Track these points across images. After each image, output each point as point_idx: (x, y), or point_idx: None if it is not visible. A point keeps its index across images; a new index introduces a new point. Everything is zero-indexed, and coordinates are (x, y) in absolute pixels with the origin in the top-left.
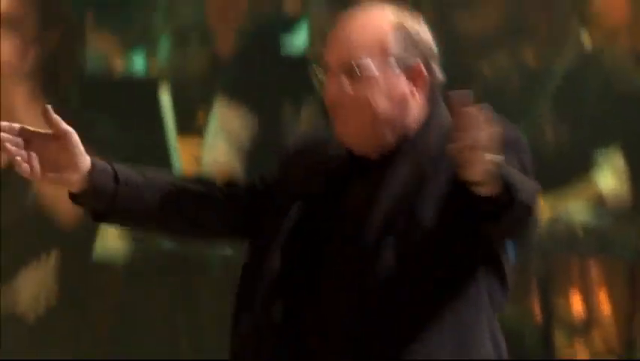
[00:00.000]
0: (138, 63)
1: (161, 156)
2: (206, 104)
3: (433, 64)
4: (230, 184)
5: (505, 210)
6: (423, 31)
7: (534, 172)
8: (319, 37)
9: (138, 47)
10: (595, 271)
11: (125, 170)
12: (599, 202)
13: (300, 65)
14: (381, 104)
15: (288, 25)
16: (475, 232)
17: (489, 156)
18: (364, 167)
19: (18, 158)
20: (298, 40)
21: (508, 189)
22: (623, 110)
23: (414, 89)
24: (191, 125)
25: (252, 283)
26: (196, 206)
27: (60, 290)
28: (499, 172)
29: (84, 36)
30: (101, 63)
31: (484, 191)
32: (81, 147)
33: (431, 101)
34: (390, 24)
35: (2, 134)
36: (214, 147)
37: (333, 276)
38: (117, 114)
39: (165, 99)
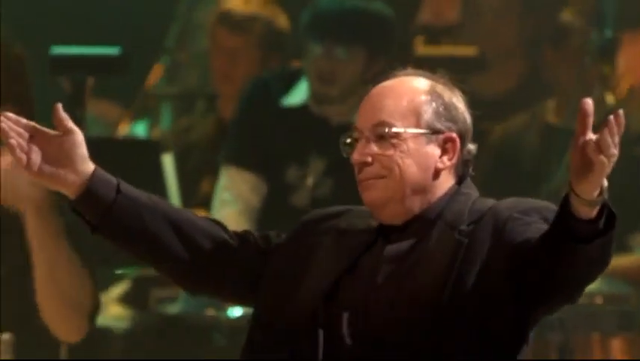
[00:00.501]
0: (140, 130)
1: None
2: (212, 170)
3: (465, 135)
4: (239, 234)
5: (599, 237)
6: (458, 102)
7: None
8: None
9: (141, 116)
10: (617, 350)
11: (131, 187)
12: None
13: (303, 115)
14: (409, 169)
15: (287, 79)
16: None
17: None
18: (389, 233)
19: (16, 146)
20: (299, 91)
21: (608, 216)
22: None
23: (444, 157)
24: (195, 194)
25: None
26: (196, 240)
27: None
28: (604, 195)
29: (84, 101)
30: (101, 129)
31: (585, 211)
32: (84, 150)
33: (460, 171)
34: (424, 91)
35: (6, 121)
36: (222, 214)
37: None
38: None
39: (168, 163)
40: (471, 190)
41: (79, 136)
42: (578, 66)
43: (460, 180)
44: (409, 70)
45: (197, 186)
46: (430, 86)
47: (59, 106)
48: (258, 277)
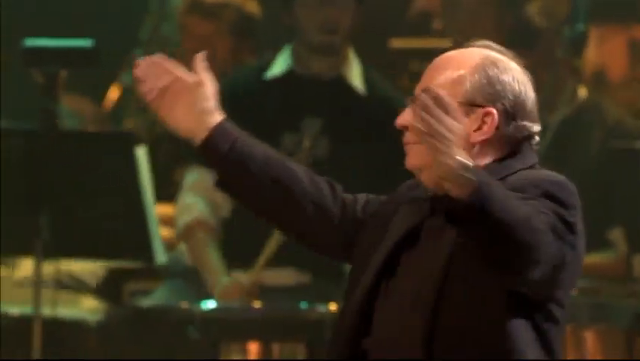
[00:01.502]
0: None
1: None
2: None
3: (513, 111)
4: (345, 200)
5: (479, 222)
6: (508, 77)
7: (576, 232)
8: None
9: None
10: (590, 341)
11: (248, 143)
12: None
13: (288, 81)
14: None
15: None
16: None
17: (450, 151)
18: (437, 203)
19: (148, 89)
20: (279, 64)
21: (481, 198)
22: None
23: (478, 131)
24: (168, 186)
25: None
26: (300, 205)
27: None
28: (466, 175)
29: (56, 93)
30: (75, 122)
31: (452, 190)
32: (210, 103)
33: (509, 148)
34: (470, 64)
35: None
36: (182, 222)
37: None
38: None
39: (142, 155)
40: (512, 166)
41: (208, 89)
42: (549, 61)
43: (508, 156)
44: (479, 41)
45: (170, 178)
46: (480, 59)
47: (200, 56)
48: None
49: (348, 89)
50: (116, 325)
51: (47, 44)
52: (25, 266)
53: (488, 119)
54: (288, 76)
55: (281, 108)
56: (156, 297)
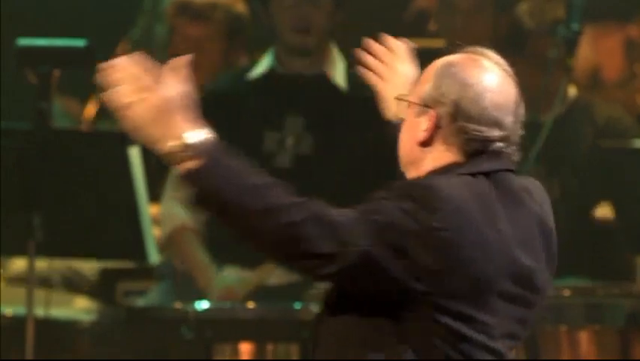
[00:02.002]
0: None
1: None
2: None
3: (457, 116)
4: None
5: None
6: (458, 83)
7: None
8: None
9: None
10: (585, 341)
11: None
12: None
13: (270, 80)
14: (402, 137)
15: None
16: None
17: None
18: None
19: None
20: (261, 65)
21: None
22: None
23: (426, 133)
24: (160, 187)
25: None
26: None
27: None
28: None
29: (50, 93)
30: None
31: (172, 162)
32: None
33: (467, 152)
34: (435, 67)
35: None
36: (170, 215)
37: None
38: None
39: (135, 156)
40: (452, 171)
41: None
42: (542, 61)
43: (463, 161)
44: (474, 48)
45: (163, 178)
46: (441, 63)
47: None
48: None
49: (331, 86)
50: (109, 325)
51: (41, 44)
52: (18, 266)
53: (433, 119)
54: (269, 75)
55: (263, 107)
56: (150, 297)
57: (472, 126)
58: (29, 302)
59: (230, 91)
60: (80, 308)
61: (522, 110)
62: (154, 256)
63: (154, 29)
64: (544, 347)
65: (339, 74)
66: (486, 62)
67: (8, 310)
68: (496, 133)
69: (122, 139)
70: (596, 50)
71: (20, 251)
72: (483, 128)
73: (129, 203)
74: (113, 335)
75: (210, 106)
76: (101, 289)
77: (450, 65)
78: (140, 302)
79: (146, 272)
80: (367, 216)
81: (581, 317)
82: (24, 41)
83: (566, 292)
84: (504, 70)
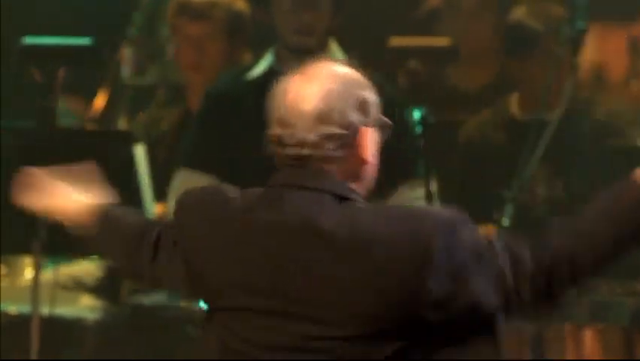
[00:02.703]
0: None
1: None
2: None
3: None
4: None
5: None
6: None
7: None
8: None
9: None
10: (589, 339)
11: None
12: None
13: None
14: None
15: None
16: None
17: None
18: None
19: None
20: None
21: None
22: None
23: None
24: (165, 186)
25: None
26: None
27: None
28: None
29: (55, 92)
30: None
31: None
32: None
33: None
34: None
35: None
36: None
37: None
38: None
39: (140, 154)
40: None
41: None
42: (546, 60)
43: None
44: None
45: (168, 178)
46: None
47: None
48: None
49: None
50: (114, 323)
51: (46, 42)
52: (24, 265)
53: None
54: (269, 75)
55: (263, 107)
56: (155, 295)
57: (274, 131)
58: (34, 300)
59: (231, 91)
60: (85, 306)
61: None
62: None
63: (156, 29)
64: (549, 345)
65: None
66: (303, 71)
67: (13, 308)
68: (278, 131)
69: (127, 138)
70: (600, 48)
71: (25, 250)
72: (278, 132)
73: (134, 202)
74: (118, 333)
75: (211, 106)
76: (106, 287)
77: None
78: (146, 301)
79: None
80: None
81: (585, 316)
82: (29, 39)
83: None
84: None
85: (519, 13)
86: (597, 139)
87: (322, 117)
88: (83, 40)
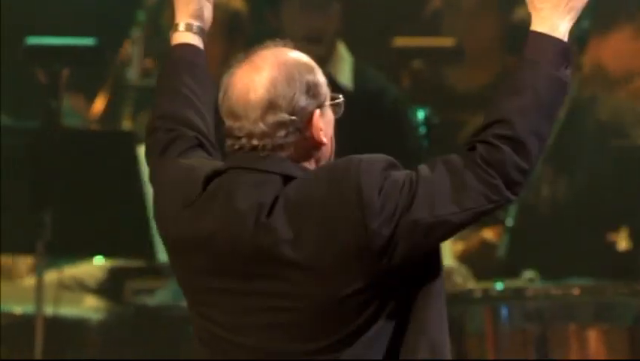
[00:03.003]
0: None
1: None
2: None
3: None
4: None
5: None
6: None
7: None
8: None
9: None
10: (594, 340)
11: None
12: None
13: None
14: None
15: None
16: None
17: None
18: None
19: None
20: None
21: None
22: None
23: None
24: None
25: None
26: None
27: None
28: None
29: (59, 92)
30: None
31: None
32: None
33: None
34: None
35: None
36: None
37: None
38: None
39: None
40: None
41: None
42: None
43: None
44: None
45: None
46: None
47: None
48: None
49: (335, 87)
50: (118, 324)
51: (50, 42)
52: (28, 265)
53: None
54: None
55: None
56: (159, 296)
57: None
58: (39, 301)
59: None
60: (89, 307)
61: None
62: (163, 255)
63: (161, 29)
64: (553, 345)
65: (345, 72)
66: (248, 60)
67: (18, 309)
68: (230, 124)
69: (131, 138)
70: (603, 46)
71: (29, 250)
72: (228, 123)
73: (137, 201)
74: (122, 334)
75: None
76: (110, 287)
77: None
78: (149, 301)
79: (155, 271)
80: None
81: (590, 316)
82: (33, 40)
83: (575, 291)
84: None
85: (524, 12)
86: (600, 138)
87: (270, 106)
88: (87, 41)
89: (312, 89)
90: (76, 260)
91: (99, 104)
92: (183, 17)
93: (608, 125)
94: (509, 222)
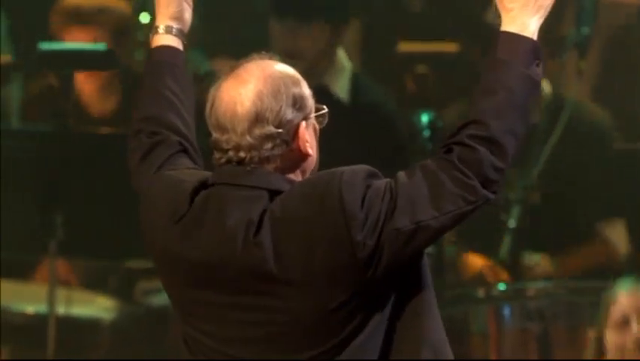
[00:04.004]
0: None
1: None
2: None
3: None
4: None
5: None
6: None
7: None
8: None
9: None
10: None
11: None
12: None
13: None
14: None
15: None
16: None
17: None
18: None
19: None
20: None
21: None
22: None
23: None
24: None
25: None
26: None
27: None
28: None
29: (71, 95)
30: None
31: None
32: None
33: None
34: None
35: None
36: None
37: None
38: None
39: None
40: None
41: None
42: (551, 65)
43: None
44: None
45: None
46: None
47: None
48: None
49: (331, 99)
50: (129, 323)
51: (62, 47)
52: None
53: None
54: None
55: None
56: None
57: (212, 136)
58: (51, 301)
59: None
60: (101, 307)
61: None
62: None
63: None
64: (555, 344)
65: (341, 81)
66: (233, 74)
67: (30, 309)
68: (216, 137)
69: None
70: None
71: (41, 250)
72: (215, 136)
73: None
74: (133, 333)
75: None
76: (121, 288)
77: None
78: (159, 301)
79: None
80: None
81: (586, 317)
82: (45, 45)
83: (577, 291)
84: (245, 77)
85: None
86: (600, 142)
87: (256, 119)
88: (98, 46)
89: (298, 102)
90: (87, 261)
91: (109, 107)
92: (163, 19)
93: (607, 129)
94: (512, 223)
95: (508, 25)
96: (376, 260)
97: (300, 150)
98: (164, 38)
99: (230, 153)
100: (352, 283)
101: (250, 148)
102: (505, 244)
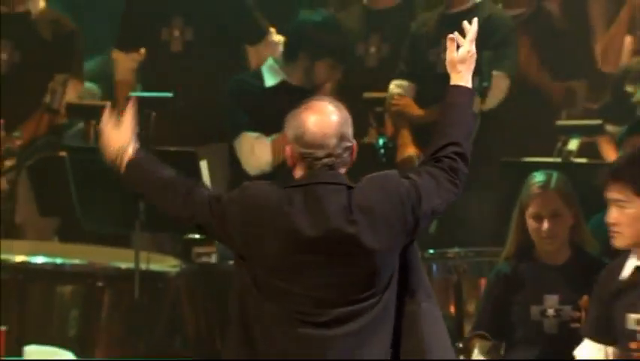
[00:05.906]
0: None
1: None
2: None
3: (297, 142)
4: None
5: None
6: (291, 124)
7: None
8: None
9: None
10: None
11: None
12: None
13: (283, 88)
14: None
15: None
16: None
17: None
18: None
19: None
20: (270, 77)
21: None
22: None
23: (289, 159)
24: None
25: None
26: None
27: None
28: None
29: (149, 127)
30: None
31: None
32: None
33: (301, 168)
34: (288, 114)
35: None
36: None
37: None
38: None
39: (204, 169)
40: (292, 181)
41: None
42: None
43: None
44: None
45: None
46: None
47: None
48: None
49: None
50: (187, 276)
51: (143, 94)
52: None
53: (287, 151)
54: (281, 87)
55: (276, 115)
56: (212, 257)
57: (302, 150)
58: (136, 260)
59: (253, 94)
60: (169, 264)
61: (332, 139)
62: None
63: None
64: (466, 291)
65: None
66: (311, 108)
67: (123, 265)
68: (314, 152)
69: (193, 155)
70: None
71: (129, 227)
72: (305, 150)
73: None
74: (190, 283)
75: (240, 100)
76: (182, 251)
77: (290, 113)
78: (209, 260)
79: (209, 241)
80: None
81: (488, 271)
82: (134, 93)
83: (480, 254)
84: (327, 110)
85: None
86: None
87: (341, 137)
88: (167, 94)
89: (351, 126)
90: (159, 234)
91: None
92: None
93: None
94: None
95: (458, 81)
96: (414, 231)
97: (352, 158)
98: (134, 152)
99: (325, 160)
100: (401, 246)
101: (338, 156)
102: (434, 223)
